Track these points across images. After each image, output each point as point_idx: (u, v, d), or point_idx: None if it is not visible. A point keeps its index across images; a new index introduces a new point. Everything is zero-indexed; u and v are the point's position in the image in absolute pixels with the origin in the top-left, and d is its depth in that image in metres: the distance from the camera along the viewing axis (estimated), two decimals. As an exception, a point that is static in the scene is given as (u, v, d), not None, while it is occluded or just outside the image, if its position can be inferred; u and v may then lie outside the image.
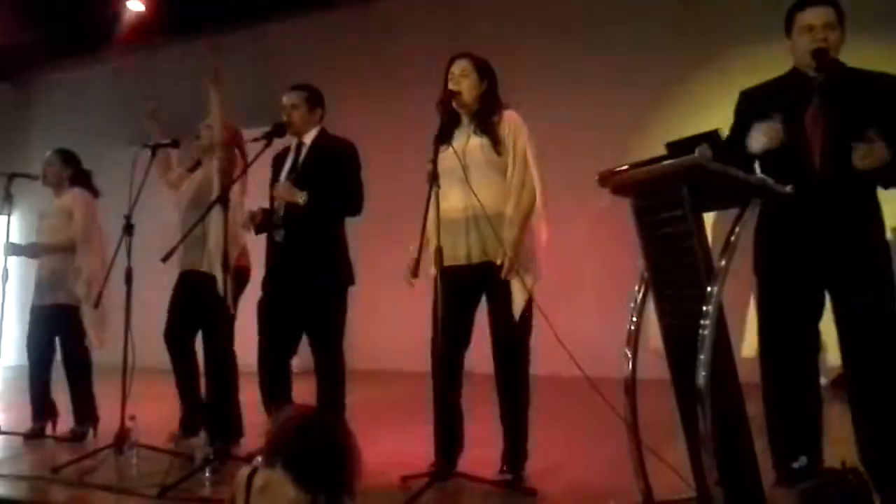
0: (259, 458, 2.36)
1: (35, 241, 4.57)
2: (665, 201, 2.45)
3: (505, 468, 3.22)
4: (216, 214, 3.71)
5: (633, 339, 2.67)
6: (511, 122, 3.29)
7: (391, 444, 4.06)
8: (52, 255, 4.46)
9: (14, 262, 4.55)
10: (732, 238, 2.34)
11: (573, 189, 6.74)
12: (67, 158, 4.61)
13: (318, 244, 3.60)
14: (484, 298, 3.31)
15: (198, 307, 4.01)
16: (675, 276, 2.48)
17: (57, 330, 4.45)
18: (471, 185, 3.16)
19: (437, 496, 2.98)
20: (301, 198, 3.55)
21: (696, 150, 2.28)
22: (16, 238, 4.62)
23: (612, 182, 2.61)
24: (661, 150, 2.47)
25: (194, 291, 4.03)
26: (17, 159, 8.04)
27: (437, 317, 3.14)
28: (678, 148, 2.43)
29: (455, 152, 3.17)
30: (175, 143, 4.10)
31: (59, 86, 9.54)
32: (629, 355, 2.66)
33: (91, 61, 8.89)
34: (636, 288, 2.68)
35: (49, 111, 9.57)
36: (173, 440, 3.96)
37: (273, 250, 3.69)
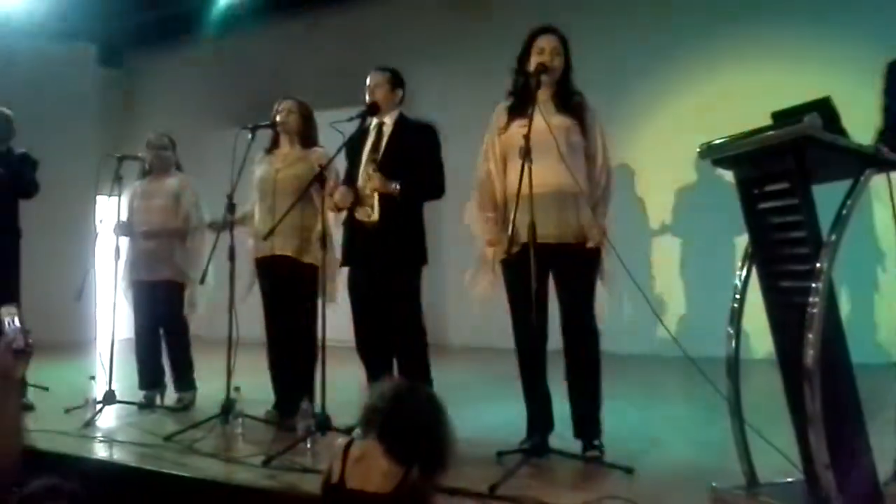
0: (357, 431, 2.42)
1: (127, 222, 4.73)
2: (771, 173, 2.36)
3: (587, 444, 3.20)
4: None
5: (737, 317, 2.58)
6: (593, 111, 3.34)
7: (483, 419, 4.08)
8: (155, 233, 4.64)
9: (126, 241, 4.76)
10: (844, 211, 2.23)
11: (671, 163, 6.63)
12: (173, 142, 4.81)
13: (404, 225, 3.70)
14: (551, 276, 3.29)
15: (288, 289, 4.12)
16: (782, 251, 2.38)
17: (159, 304, 4.65)
18: (566, 164, 3.11)
19: (533, 472, 2.98)
20: (394, 187, 3.61)
21: (805, 119, 2.18)
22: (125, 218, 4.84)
23: (714, 154, 2.52)
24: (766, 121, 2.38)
25: (288, 276, 4.12)
26: (123, 142, 8.41)
27: (519, 294, 3.20)
28: (785, 117, 2.33)
29: (549, 128, 3.11)
30: (273, 125, 4.19)
31: (161, 70, 9.88)
32: (732, 333, 2.58)
33: (191, 45, 9.17)
34: (739, 264, 2.59)
35: (152, 95, 9.94)
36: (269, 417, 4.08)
37: (357, 228, 3.75)
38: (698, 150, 2.51)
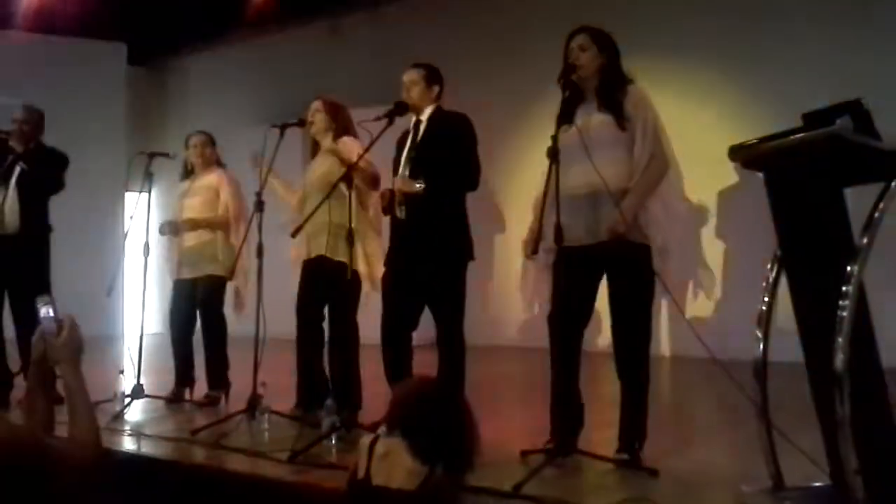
0: (382, 427, 2.43)
1: (172, 220, 4.79)
2: (801, 175, 2.34)
3: (622, 448, 3.17)
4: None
5: (765, 320, 2.56)
6: (637, 96, 3.20)
7: (509, 418, 4.09)
8: (198, 230, 4.69)
9: (155, 237, 4.82)
10: (876, 214, 2.21)
11: (701, 164, 6.58)
12: (213, 139, 4.86)
13: (438, 220, 3.67)
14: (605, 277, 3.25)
15: (326, 287, 4.14)
16: (812, 253, 2.36)
17: (199, 301, 4.69)
18: (593, 163, 3.08)
19: (556, 473, 2.98)
20: (418, 187, 3.62)
21: (837, 121, 2.16)
22: (154, 215, 4.90)
23: (744, 155, 2.50)
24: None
25: (322, 275, 4.14)
26: (154, 140, 8.52)
27: (554, 294, 3.13)
28: (816, 119, 2.31)
29: (578, 130, 3.09)
30: (301, 123, 4.21)
31: (191, 69, 10.00)
32: (760, 336, 2.56)
33: (221, 45, 9.27)
34: (768, 266, 2.57)
35: (183, 93, 10.06)
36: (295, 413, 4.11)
37: (395, 227, 3.77)
38: (728, 151, 2.50)
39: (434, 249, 3.64)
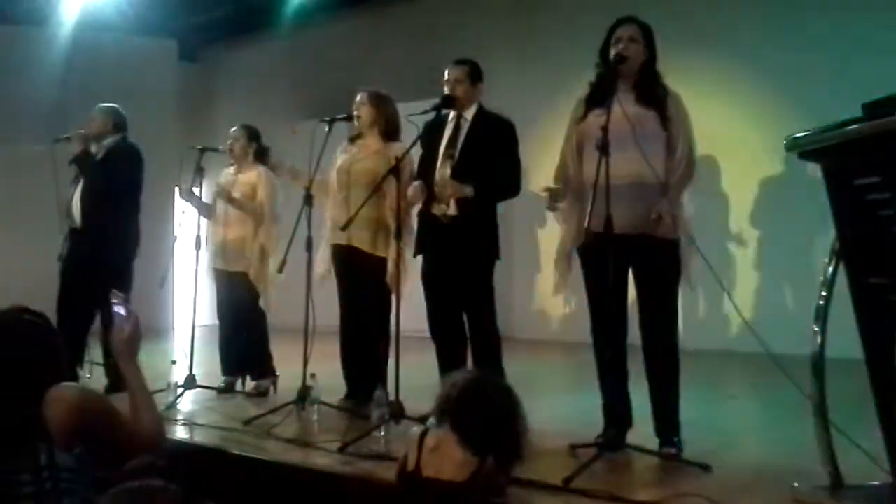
0: (431, 419, 2.45)
1: (209, 205, 4.87)
2: (861, 167, 2.28)
3: (664, 442, 3.15)
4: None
5: (823, 315, 2.51)
6: (679, 100, 3.24)
7: (557, 412, 4.08)
8: (231, 224, 4.76)
9: (205, 230, 4.89)
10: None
11: (754, 155, 6.47)
12: (252, 134, 4.89)
13: (478, 220, 3.73)
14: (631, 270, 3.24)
15: (360, 280, 4.18)
16: (873, 247, 2.30)
17: (236, 293, 4.77)
18: (644, 154, 3.05)
19: (606, 467, 2.96)
20: (469, 191, 3.64)
21: (901, 111, 2.10)
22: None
23: (801, 146, 2.45)
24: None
25: (353, 265, 4.18)
26: (203, 134, 8.65)
27: (591, 287, 3.21)
28: (877, 108, 2.25)
29: (628, 119, 3.06)
30: (350, 118, 4.24)
31: (239, 63, 10.13)
32: (818, 331, 2.51)
33: (267, 40, 9.36)
34: (826, 260, 2.52)
35: (230, 88, 10.19)
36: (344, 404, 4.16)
37: (432, 221, 3.78)
38: (785, 141, 2.45)
39: (471, 249, 3.71)
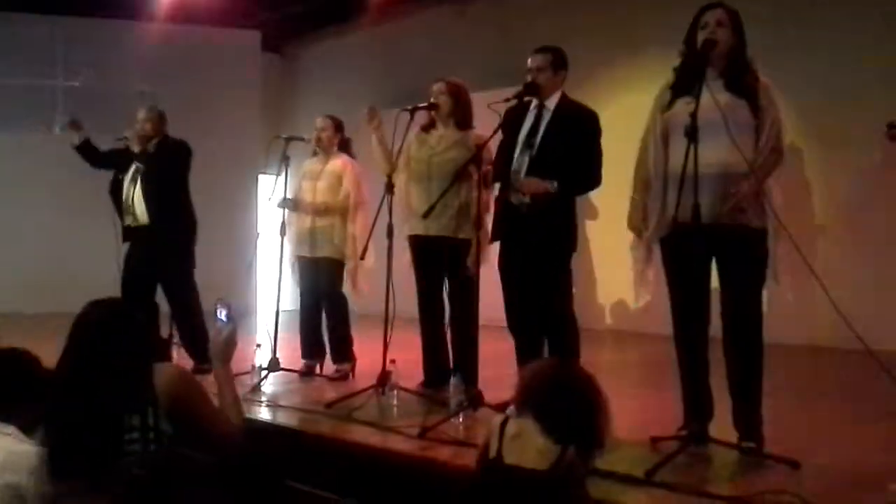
0: (512, 407, 2.44)
1: (298, 198, 4.96)
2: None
3: (744, 436, 3.05)
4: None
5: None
6: (770, 89, 3.12)
7: (637, 404, 4.02)
8: (321, 212, 4.84)
9: (289, 217, 5.00)
10: None
11: (849, 143, 6.19)
12: (338, 125, 4.98)
13: (557, 211, 3.69)
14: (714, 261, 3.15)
15: (441, 267, 4.22)
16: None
17: (319, 279, 4.86)
18: (736, 144, 2.95)
19: (689, 460, 2.90)
20: (552, 188, 3.62)
21: None
22: (290, 195, 5.08)
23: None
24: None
25: (434, 252, 4.22)
26: (285, 124, 8.83)
27: (672, 277, 3.14)
28: None
29: (720, 107, 2.95)
30: (432, 106, 4.25)
31: (320, 54, 10.28)
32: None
33: (349, 30, 9.47)
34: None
35: (312, 78, 10.36)
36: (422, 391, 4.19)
37: (510, 211, 3.76)
38: (887, 127, 2.34)
39: (548, 239, 3.69)
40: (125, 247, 5.02)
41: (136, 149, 4.94)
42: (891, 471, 2.69)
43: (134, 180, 4.94)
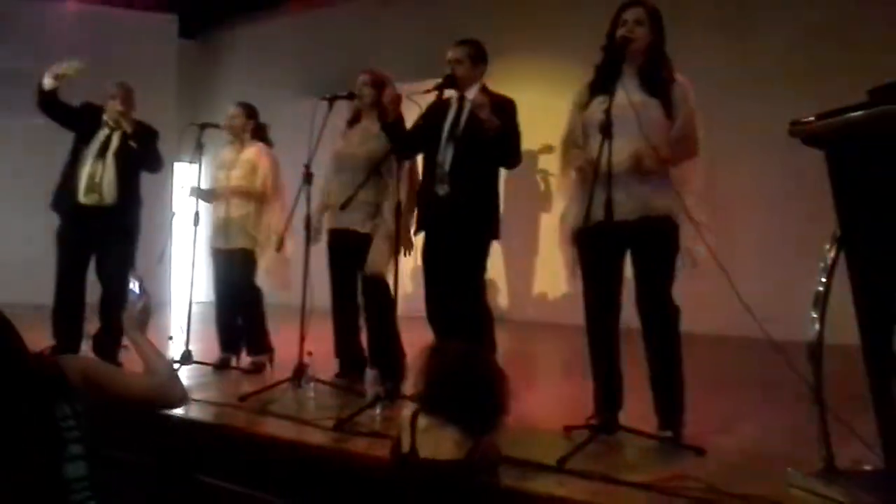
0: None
1: (213, 188, 4.86)
2: (866, 154, 2.27)
3: (663, 425, 3.14)
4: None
5: (822, 301, 2.51)
6: (686, 89, 3.16)
7: (552, 394, 4.09)
8: (233, 202, 4.75)
9: (204, 207, 4.89)
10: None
11: (756, 143, 6.43)
12: (250, 112, 4.87)
13: (476, 198, 3.70)
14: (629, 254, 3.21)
15: (353, 260, 4.19)
16: (875, 235, 2.30)
17: (233, 271, 4.77)
18: (648, 141, 3.02)
19: (600, 448, 2.96)
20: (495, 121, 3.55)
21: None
22: (204, 184, 4.96)
23: (805, 132, 2.43)
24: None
25: (346, 246, 4.20)
26: (204, 111, 8.60)
27: (585, 272, 3.18)
28: (883, 94, 2.23)
29: (632, 105, 3.01)
30: (351, 96, 4.22)
31: (240, 40, 10.06)
32: (816, 317, 2.51)
33: (270, 18, 9.30)
34: (827, 247, 2.51)
35: (231, 65, 10.13)
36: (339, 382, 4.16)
37: (431, 200, 3.77)
38: (788, 127, 2.43)
39: (467, 225, 3.68)
40: (56, 226, 4.65)
41: (128, 126, 4.63)
42: (787, 456, 2.80)
43: (101, 156, 4.60)
